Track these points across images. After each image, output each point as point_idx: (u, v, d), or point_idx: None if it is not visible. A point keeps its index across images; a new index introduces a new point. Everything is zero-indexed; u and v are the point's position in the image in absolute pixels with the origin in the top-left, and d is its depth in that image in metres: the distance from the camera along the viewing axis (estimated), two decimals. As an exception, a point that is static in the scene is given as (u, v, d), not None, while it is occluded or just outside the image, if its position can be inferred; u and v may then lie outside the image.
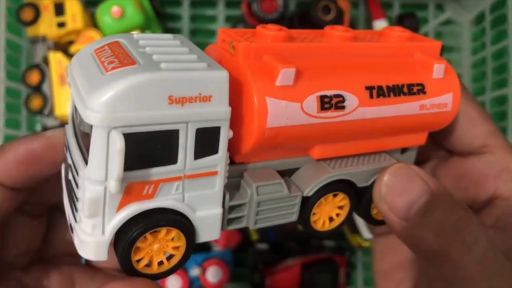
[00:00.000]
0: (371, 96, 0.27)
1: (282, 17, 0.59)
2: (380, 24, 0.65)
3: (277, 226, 0.29)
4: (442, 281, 0.28)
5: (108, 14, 0.57)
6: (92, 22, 0.60)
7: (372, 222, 0.33)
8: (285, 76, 0.25)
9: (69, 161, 0.26)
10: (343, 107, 0.27)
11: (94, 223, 0.24)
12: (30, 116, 0.63)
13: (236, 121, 0.25)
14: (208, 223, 0.26)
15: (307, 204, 0.29)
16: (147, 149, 0.23)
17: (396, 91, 0.28)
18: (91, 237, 0.24)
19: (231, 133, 0.25)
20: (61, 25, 0.58)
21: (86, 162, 0.23)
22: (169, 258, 0.26)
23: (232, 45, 0.26)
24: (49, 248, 0.33)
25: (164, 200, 0.24)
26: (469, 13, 0.69)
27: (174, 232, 0.25)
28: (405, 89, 0.29)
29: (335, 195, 0.31)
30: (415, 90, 0.29)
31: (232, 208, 0.27)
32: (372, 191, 0.29)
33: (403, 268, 0.38)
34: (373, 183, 0.30)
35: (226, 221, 0.28)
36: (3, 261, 0.30)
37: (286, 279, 0.65)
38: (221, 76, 0.23)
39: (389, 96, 0.28)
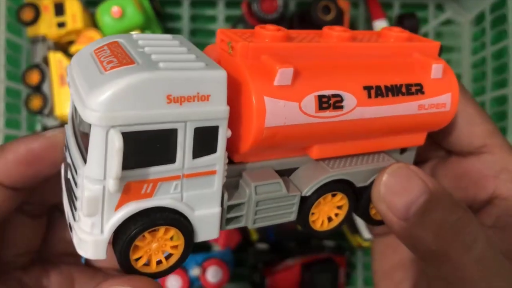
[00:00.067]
0: (369, 96, 0.27)
1: (282, 17, 0.59)
2: (380, 24, 0.65)
3: (277, 226, 0.30)
4: (441, 281, 0.28)
5: (108, 14, 0.57)
6: (92, 22, 0.60)
7: (371, 222, 0.33)
8: (283, 75, 0.25)
9: (68, 160, 0.26)
10: (341, 107, 0.27)
11: (93, 222, 0.24)
12: (30, 116, 0.63)
13: (234, 121, 0.25)
14: (207, 222, 0.26)
15: (306, 203, 0.29)
16: (146, 148, 0.23)
17: (394, 91, 0.28)
18: (90, 236, 0.24)
19: (229, 133, 0.25)
20: (61, 25, 0.58)
21: (85, 161, 0.23)
22: (167, 257, 0.26)
23: (230, 45, 0.26)
24: (49, 248, 0.33)
25: (162, 199, 0.24)
26: (469, 13, 0.69)
27: (173, 231, 0.25)
28: (404, 89, 0.29)
29: (333, 195, 0.31)
30: (414, 90, 0.29)
31: (230, 208, 0.28)
32: (371, 191, 0.29)
33: (403, 268, 0.38)
34: (372, 183, 0.30)
35: (225, 220, 0.28)
36: (3, 261, 0.30)
37: (286, 279, 0.65)
38: (219, 75, 0.23)
39: (387, 96, 0.28)
